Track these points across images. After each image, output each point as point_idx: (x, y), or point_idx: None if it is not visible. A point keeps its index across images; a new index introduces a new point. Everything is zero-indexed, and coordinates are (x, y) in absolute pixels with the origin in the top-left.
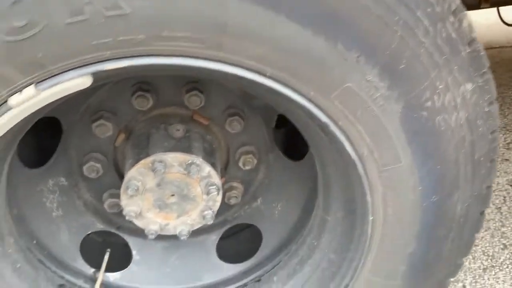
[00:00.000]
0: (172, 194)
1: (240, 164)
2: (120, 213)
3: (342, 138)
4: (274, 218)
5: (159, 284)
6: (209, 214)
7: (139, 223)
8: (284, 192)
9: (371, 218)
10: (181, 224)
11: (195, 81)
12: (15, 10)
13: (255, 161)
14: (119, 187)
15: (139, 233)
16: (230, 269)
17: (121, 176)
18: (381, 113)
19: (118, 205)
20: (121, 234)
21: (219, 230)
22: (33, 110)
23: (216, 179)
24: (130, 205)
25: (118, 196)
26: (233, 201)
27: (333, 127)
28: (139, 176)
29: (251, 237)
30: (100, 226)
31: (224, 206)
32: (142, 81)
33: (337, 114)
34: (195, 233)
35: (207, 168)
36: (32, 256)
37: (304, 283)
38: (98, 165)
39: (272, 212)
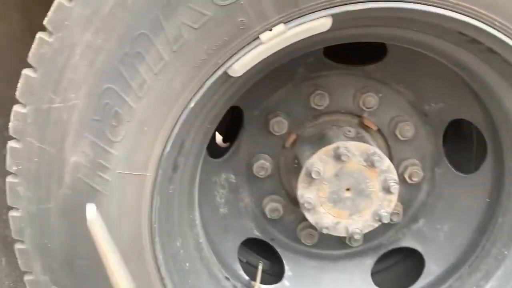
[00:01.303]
0: (347, 188)
1: (406, 176)
2: (277, 221)
3: None
4: (439, 241)
5: None
6: (383, 216)
7: (311, 217)
8: (453, 211)
9: None
10: (353, 223)
11: (367, 85)
12: None
13: (422, 175)
14: (280, 193)
15: (293, 248)
16: None
17: (282, 182)
18: None
19: (278, 211)
20: (274, 246)
21: (375, 254)
22: (279, 48)
23: (394, 175)
24: (307, 193)
25: (279, 201)
26: (394, 219)
27: None
28: (320, 163)
29: (411, 262)
30: (256, 233)
31: (381, 226)
32: (318, 84)
33: None
34: (349, 255)
35: (387, 162)
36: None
37: None
38: (267, 165)
39: (436, 234)
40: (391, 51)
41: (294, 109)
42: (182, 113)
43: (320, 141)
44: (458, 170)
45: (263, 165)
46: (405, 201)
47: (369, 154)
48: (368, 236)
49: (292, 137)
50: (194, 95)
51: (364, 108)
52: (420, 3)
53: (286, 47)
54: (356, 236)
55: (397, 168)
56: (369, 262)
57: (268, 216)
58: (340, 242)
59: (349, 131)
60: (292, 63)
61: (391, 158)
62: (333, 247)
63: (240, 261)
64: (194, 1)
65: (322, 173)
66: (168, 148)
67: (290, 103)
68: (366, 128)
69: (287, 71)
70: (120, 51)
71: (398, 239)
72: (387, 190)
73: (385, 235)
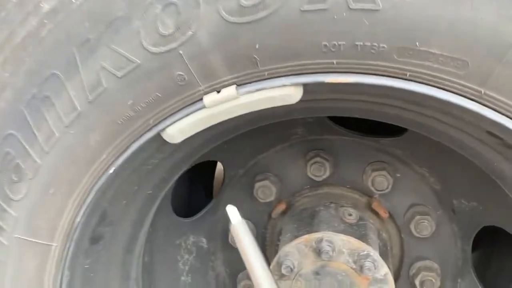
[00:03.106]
0: None
1: (417, 283)
2: None
3: None
4: None
5: None
6: None
7: None
8: None
9: None
10: None
11: (383, 160)
12: None
13: (438, 285)
14: None
15: None
16: None
17: (266, 257)
18: None
19: None
20: None
21: None
22: (228, 116)
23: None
24: None
25: None
26: None
27: None
28: (297, 254)
29: None
30: None
31: None
32: (319, 149)
33: None
34: None
35: (384, 270)
36: None
37: None
38: None
39: None
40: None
41: (287, 175)
42: (100, 178)
43: (310, 221)
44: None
45: None
46: None
47: (360, 256)
48: None
49: (281, 206)
50: (116, 158)
51: (374, 190)
52: (430, 85)
53: (244, 115)
54: None
55: (408, 269)
56: None
57: None
58: None
59: (350, 215)
60: (289, 122)
61: (402, 255)
62: None
63: None
64: (119, 42)
65: (295, 269)
66: (80, 217)
67: (283, 167)
68: (375, 212)
69: (283, 128)
70: (27, 92)
71: None
72: None
73: None
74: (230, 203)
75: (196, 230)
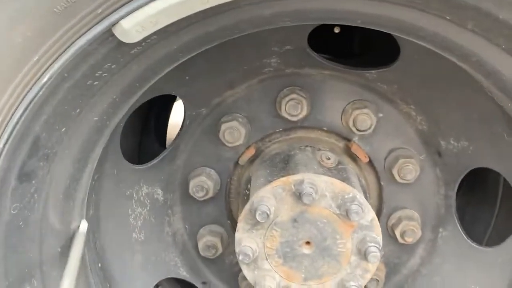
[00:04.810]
0: (307, 242)
1: (397, 232)
2: (214, 261)
3: None
4: None
5: None
6: None
7: (249, 274)
8: None
9: None
10: None
11: (365, 99)
12: None
13: (419, 234)
14: (223, 225)
15: None
16: None
17: (229, 211)
18: None
19: (215, 248)
20: None
21: None
22: (190, 11)
23: (379, 235)
24: (246, 240)
25: (219, 235)
26: (371, 287)
27: None
28: (273, 200)
29: None
30: (182, 273)
31: None
32: (296, 85)
33: None
34: None
35: (371, 215)
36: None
37: None
38: (210, 184)
39: None
40: (403, 56)
41: (258, 115)
42: (30, 89)
43: (284, 166)
44: (471, 238)
45: (203, 184)
46: (391, 264)
47: (346, 200)
48: None
49: (250, 152)
50: (53, 63)
51: (355, 129)
52: None
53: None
54: None
55: (387, 217)
56: None
57: (202, 253)
58: None
59: (328, 158)
60: (263, 50)
61: (380, 204)
62: None
63: None
64: None
65: (271, 216)
66: (3, 143)
67: (254, 105)
68: (353, 157)
69: (255, 58)
70: None
71: None
72: (363, 255)
73: None
74: (191, 147)
75: (150, 180)
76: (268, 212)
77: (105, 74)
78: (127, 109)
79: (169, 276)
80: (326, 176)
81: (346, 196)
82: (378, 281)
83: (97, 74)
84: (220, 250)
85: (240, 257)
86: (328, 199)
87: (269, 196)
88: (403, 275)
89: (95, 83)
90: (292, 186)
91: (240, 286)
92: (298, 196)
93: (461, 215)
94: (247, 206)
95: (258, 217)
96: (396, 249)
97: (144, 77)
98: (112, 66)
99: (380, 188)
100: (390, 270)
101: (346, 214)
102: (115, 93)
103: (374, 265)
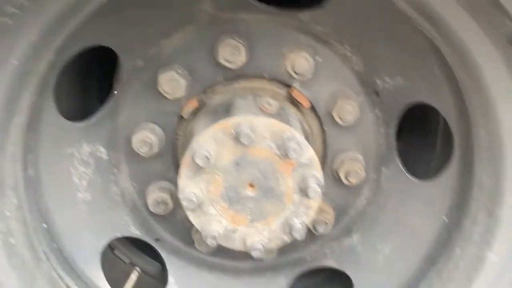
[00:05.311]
0: (251, 184)
1: (342, 174)
2: (165, 218)
3: None
4: (376, 266)
5: None
6: (296, 228)
7: (196, 220)
8: (398, 228)
9: None
10: (254, 234)
11: (303, 42)
12: None
13: (363, 175)
14: (172, 180)
15: (184, 254)
16: None
17: (179, 166)
18: None
19: (166, 204)
20: (159, 250)
21: (291, 272)
22: None
23: (319, 172)
24: (190, 186)
25: (169, 191)
26: (320, 229)
27: None
28: (213, 144)
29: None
30: (134, 231)
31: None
32: (232, 32)
33: None
34: (258, 270)
35: (310, 153)
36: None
37: None
38: (153, 138)
39: (373, 256)
40: None
41: (197, 65)
42: None
43: (225, 113)
44: (412, 174)
45: (146, 138)
46: (338, 207)
47: (284, 139)
48: (284, 248)
49: (192, 104)
50: None
51: (294, 74)
52: None
53: None
54: (255, 253)
55: (331, 161)
56: (282, 281)
57: (152, 210)
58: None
59: (269, 104)
60: None
61: (325, 149)
62: (237, 257)
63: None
64: None
65: (212, 160)
66: None
67: (192, 55)
68: (295, 103)
69: (187, 2)
70: None
71: (323, 255)
72: (304, 192)
73: (307, 249)
74: (132, 103)
75: (91, 138)
76: (208, 156)
77: (17, 11)
78: (54, 56)
79: (120, 235)
80: (265, 117)
81: (284, 136)
82: (327, 223)
83: (7, 10)
84: (171, 206)
85: (184, 203)
86: (268, 140)
87: (209, 141)
88: (350, 216)
89: (8, 21)
90: (231, 129)
91: (193, 239)
92: (237, 138)
93: (405, 154)
94: (188, 153)
95: (198, 162)
96: (342, 192)
97: (61, 16)
98: (24, 3)
99: (323, 133)
100: (338, 212)
101: (285, 153)
102: (33, 34)
103: (315, 201)
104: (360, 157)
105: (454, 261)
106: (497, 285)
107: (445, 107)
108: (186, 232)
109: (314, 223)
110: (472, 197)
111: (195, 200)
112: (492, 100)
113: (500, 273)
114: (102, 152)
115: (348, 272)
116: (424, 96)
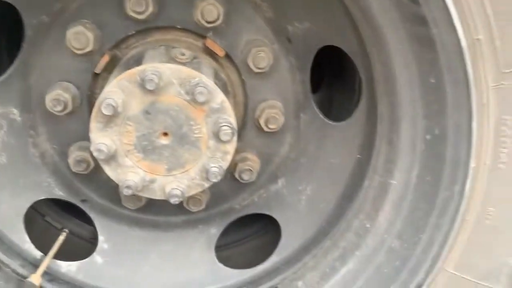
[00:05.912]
0: (164, 133)
1: (262, 123)
2: (88, 177)
3: None
4: (299, 207)
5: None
6: (212, 172)
7: (111, 172)
8: (318, 169)
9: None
10: (173, 182)
11: None
12: None
13: (282, 121)
14: None
15: (112, 212)
16: (234, 277)
17: None
18: None
19: (87, 163)
20: (86, 211)
21: (222, 222)
22: None
23: (231, 116)
24: (101, 138)
25: (88, 150)
26: (245, 177)
27: None
28: (121, 93)
29: (268, 235)
30: (58, 193)
31: (231, 185)
32: None
33: None
34: (188, 222)
35: (220, 97)
36: None
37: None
38: (67, 96)
39: (297, 198)
40: None
41: (105, 19)
42: None
43: (137, 65)
44: (327, 117)
45: (59, 97)
46: (263, 155)
47: (192, 85)
48: (214, 199)
49: (105, 59)
50: None
51: (205, 23)
52: None
53: None
54: (174, 200)
55: (253, 111)
56: (213, 231)
57: (74, 169)
58: (177, 205)
59: (182, 54)
60: None
61: (246, 99)
62: (166, 211)
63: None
64: None
65: (120, 110)
66: None
67: (99, 9)
68: (211, 54)
69: None
70: None
71: (252, 203)
72: (218, 137)
73: (236, 198)
74: (42, 62)
75: (1, 99)
76: (114, 105)
77: None
78: None
79: (43, 197)
80: (171, 64)
81: (192, 81)
82: (252, 171)
83: None
84: (93, 165)
85: (96, 154)
86: (176, 86)
87: (116, 90)
88: (275, 163)
89: None
90: (137, 77)
91: (121, 197)
92: (143, 85)
93: (329, 99)
94: (96, 105)
95: (104, 111)
96: (266, 140)
97: None
98: None
99: (243, 83)
100: (263, 161)
101: (194, 99)
102: None
103: (230, 144)
104: (279, 104)
105: (364, 193)
106: (398, 210)
107: (350, 47)
108: (113, 191)
109: (240, 172)
110: (377, 131)
111: (105, 150)
112: (380, 31)
113: (400, 198)
114: (15, 113)
115: (275, 216)
116: (331, 39)
